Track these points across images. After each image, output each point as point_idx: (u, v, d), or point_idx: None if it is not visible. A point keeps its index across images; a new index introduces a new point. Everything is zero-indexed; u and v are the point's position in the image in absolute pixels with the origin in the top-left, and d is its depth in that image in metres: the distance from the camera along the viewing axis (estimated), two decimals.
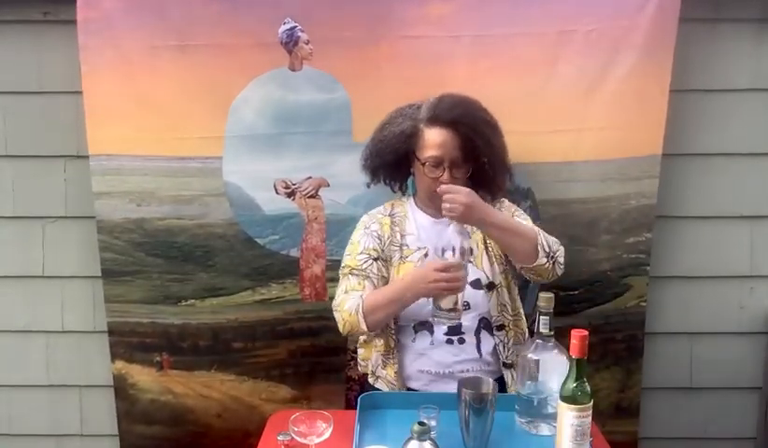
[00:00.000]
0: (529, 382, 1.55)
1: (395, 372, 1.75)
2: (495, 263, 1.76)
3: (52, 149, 2.16)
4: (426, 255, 1.75)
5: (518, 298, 1.81)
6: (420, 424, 1.33)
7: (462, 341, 1.73)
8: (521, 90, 2.00)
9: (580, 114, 2.01)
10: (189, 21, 1.98)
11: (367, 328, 1.70)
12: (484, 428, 1.46)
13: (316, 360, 2.12)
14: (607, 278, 2.10)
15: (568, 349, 1.40)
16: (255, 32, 1.99)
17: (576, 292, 2.09)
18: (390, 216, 1.83)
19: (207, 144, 2.04)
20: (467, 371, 1.73)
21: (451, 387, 1.67)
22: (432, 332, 1.73)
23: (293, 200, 2.07)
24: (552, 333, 1.53)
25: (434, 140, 1.71)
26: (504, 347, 1.75)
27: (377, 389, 1.78)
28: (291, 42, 1.99)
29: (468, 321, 1.72)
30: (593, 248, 2.09)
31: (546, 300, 1.52)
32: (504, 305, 1.76)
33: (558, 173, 2.04)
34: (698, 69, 2.08)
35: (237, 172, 2.06)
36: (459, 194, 1.58)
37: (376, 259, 1.77)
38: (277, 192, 2.07)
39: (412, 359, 1.76)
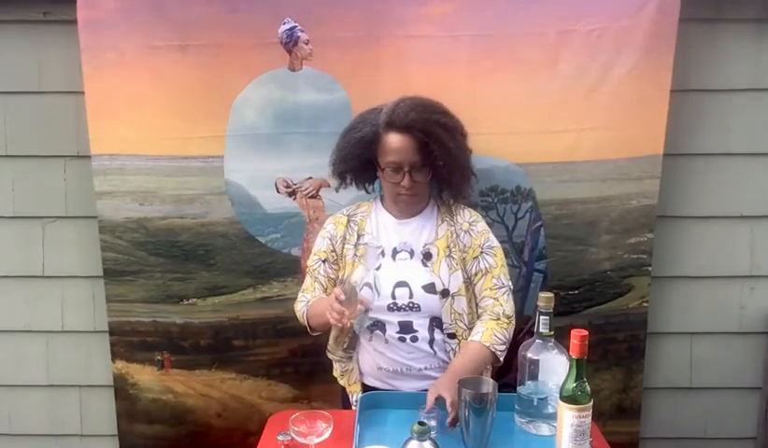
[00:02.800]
0: (529, 382, 1.55)
1: (350, 379, 1.81)
2: (458, 271, 1.74)
3: (52, 149, 2.16)
4: (383, 253, 1.76)
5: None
6: (420, 424, 1.33)
7: (414, 339, 1.74)
8: (522, 90, 2.00)
9: (581, 114, 2.01)
10: (189, 21, 1.98)
11: (312, 331, 1.81)
12: (484, 428, 1.46)
13: (316, 359, 2.10)
14: (608, 278, 2.10)
15: (568, 349, 1.40)
16: (255, 32, 1.99)
17: (577, 292, 2.09)
18: (348, 215, 1.85)
19: (209, 143, 2.04)
20: (424, 368, 1.75)
21: (408, 385, 1.75)
22: (384, 331, 1.74)
23: (294, 199, 2.08)
24: (552, 333, 1.53)
25: (392, 145, 1.71)
26: (454, 354, 1.74)
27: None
28: (290, 42, 1.99)
29: (420, 320, 1.74)
30: (594, 248, 2.09)
31: (545, 299, 1.53)
32: (460, 314, 1.74)
33: (559, 173, 2.04)
34: (698, 69, 2.08)
35: (239, 171, 2.06)
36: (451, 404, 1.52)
37: (324, 261, 1.83)
38: (278, 191, 2.07)
39: (369, 357, 1.79)
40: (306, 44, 2.00)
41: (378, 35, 1.99)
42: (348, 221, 1.84)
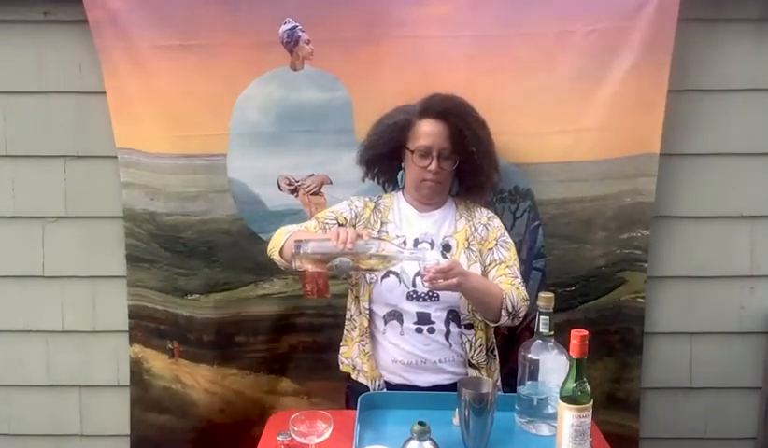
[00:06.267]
0: (529, 382, 1.55)
1: (371, 363, 1.79)
2: (476, 263, 1.78)
3: (52, 149, 2.16)
4: (405, 242, 1.79)
5: None
6: (420, 424, 1.33)
7: (431, 330, 1.76)
8: (521, 90, 2.01)
9: (579, 114, 2.01)
10: (191, 22, 1.99)
11: (281, 251, 1.74)
12: (484, 428, 1.46)
13: (317, 356, 2.14)
14: (602, 273, 2.11)
15: (568, 349, 1.40)
16: (256, 31, 2.00)
17: (573, 288, 2.10)
18: (374, 202, 1.89)
19: (212, 141, 2.06)
20: (439, 361, 1.77)
21: (424, 378, 1.77)
22: (401, 322, 1.76)
23: (296, 196, 2.09)
24: (552, 333, 1.53)
25: (425, 130, 1.78)
26: (470, 346, 1.78)
27: (361, 384, 1.81)
28: (291, 42, 2.01)
29: (437, 311, 1.76)
30: (590, 246, 2.09)
31: (545, 299, 1.53)
32: None
33: (557, 173, 2.05)
34: (697, 69, 2.08)
35: (241, 168, 2.08)
36: (453, 270, 1.59)
37: (340, 225, 1.81)
38: (280, 189, 2.09)
39: (384, 350, 1.80)
40: (307, 44, 2.01)
41: (378, 35, 2.00)
42: (375, 207, 1.87)
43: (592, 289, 2.12)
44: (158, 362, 2.19)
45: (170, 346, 2.18)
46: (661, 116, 2.00)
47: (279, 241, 1.77)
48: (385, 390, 1.78)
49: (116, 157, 2.10)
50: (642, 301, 2.13)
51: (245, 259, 2.11)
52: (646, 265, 2.12)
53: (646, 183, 2.06)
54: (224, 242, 2.11)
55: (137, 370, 2.20)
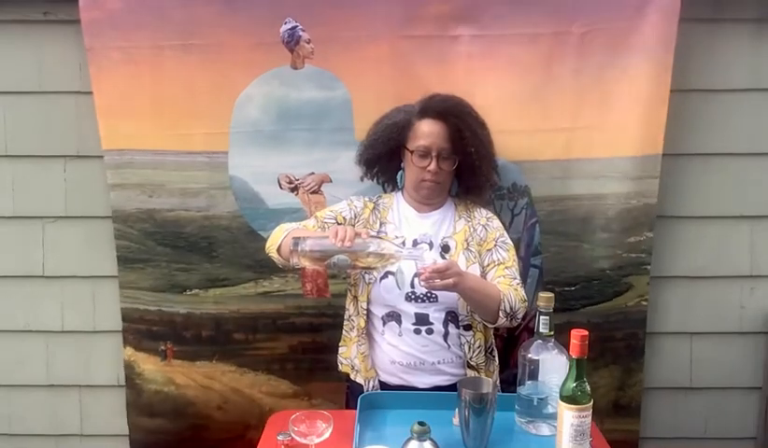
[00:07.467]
0: (529, 382, 1.55)
1: (366, 363, 1.80)
2: (475, 264, 1.78)
3: (52, 149, 2.16)
4: (404, 243, 1.79)
5: None
6: (420, 424, 1.33)
7: (429, 331, 1.76)
8: (520, 89, 2.01)
9: (580, 113, 2.01)
10: (191, 21, 2.00)
11: (279, 248, 1.75)
12: (484, 428, 1.46)
13: (316, 357, 2.14)
14: (607, 277, 2.10)
15: (568, 349, 1.40)
16: (257, 31, 2.01)
17: (573, 289, 2.10)
18: (374, 202, 1.88)
19: (213, 139, 2.07)
20: (437, 362, 1.77)
21: (422, 379, 1.76)
22: (399, 323, 1.76)
23: (296, 195, 2.10)
24: (552, 333, 1.53)
25: (424, 130, 1.78)
26: (469, 348, 1.77)
27: (360, 384, 1.81)
28: (292, 41, 2.01)
29: (436, 312, 1.76)
30: (587, 245, 2.09)
31: (545, 299, 1.53)
32: None
33: (554, 170, 2.05)
34: (698, 69, 2.08)
35: (242, 166, 2.09)
36: (450, 270, 1.59)
37: (338, 224, 1.80)
38: (280, 187, 2.10)
39: (383, 351, 1.80)
40: (308, 43, 2.01)
41: (378, 34, 2.00)
42: (374, 207, 1.87)
43: (596, 292, 2.11)
44: (150, 365, 2.19)
45: (163, 348, 2.18)
46: (663, 116, 2.00)
47: (278, 238, 1.77)
48: (379, 390, 1.78)
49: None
50: (645, 303, 2.13)
51: (245, 256, 2.13)
52: (649, 268, 2.12)
53: (650, 185, 2.06)
54: (225, 238, 2.13)
55: (130, 373, 2.20)
